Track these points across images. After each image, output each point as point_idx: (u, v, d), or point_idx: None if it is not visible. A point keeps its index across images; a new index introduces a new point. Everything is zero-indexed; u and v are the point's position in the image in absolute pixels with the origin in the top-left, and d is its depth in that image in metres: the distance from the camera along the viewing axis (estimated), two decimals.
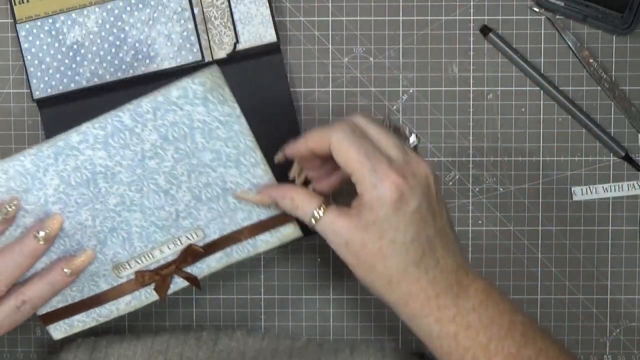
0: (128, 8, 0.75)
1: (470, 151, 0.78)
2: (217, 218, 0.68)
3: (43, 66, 0.75)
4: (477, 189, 0.78)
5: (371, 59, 0.78)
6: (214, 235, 0.69)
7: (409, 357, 0.75)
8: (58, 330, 0.69)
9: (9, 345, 0.78)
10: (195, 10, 0.75)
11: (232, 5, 0.76)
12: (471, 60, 0.77)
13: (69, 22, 0.75)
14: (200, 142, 0.66)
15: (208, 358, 0.73)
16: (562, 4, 0.76)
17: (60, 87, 0.75)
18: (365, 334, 0.78)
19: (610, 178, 0.78)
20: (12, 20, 0.75)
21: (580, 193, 0.78)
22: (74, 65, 0.75)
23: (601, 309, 0.78)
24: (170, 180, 0.67)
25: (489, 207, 0.78)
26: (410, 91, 0.78)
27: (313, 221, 0.64)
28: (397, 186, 0.61)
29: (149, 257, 0.68)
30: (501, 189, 0.78)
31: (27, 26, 0.75)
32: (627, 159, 0.77)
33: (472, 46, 0.77)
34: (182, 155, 0.66)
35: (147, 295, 0.69)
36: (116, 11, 0.75)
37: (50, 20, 0.75)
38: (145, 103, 0.65)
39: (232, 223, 0.69)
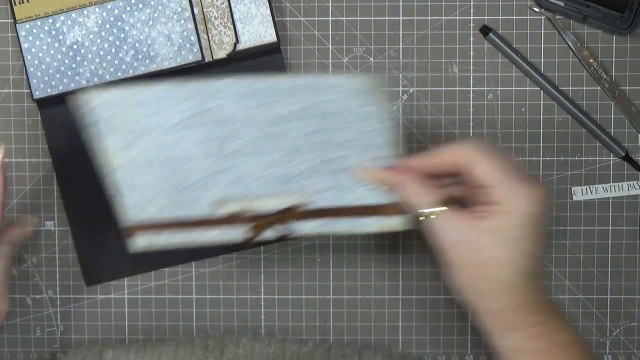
0: (128, 8, 0.75)
1: None
2: (327, 191, 0.67)
3: (43, 66, 0.75)
4: None
5: (371, 59, 0.78)
6: (319, 204, 0.68)
7: None
8: (141, 242, 0.68)
9: (9, 345, 0.78)
10: (195, 10, 0.75)
11: (232, 5, 0.76)
12: (471, 60, 0.77)
13: (69, 22, 0.75)
14: (338, 125, 0.66)
15: None
16: (562, 4, 0.76)
17: (60, 87, 0.75)
18: (365, 334, 0.78)
19: (610, 178, 0.78)
20: (12, 20, 0.75)
21: (580, 193, 0.78)
22: (74, 65, 0.75)
23: (601, 309, 0.78)
24: (293, 147, 0.66)
25: None
26: (410, 91, 0.78)
27: (428, 214, 0.64)
28: (541, 200, 0.62)
29: (250, 204, 0.67)
30: None
31: (27, 26, 0.75)
32: (627, 159, 0.77)
33: (472, 46, 0.77)
34: (314, 130, 0.66)
35: (235, 235, 0.68)
36: (116, 11, 0.75)
37: (50, 20, 0.75)
38: (300, 79, 0.65)
39: (341, 199, 0.68)
